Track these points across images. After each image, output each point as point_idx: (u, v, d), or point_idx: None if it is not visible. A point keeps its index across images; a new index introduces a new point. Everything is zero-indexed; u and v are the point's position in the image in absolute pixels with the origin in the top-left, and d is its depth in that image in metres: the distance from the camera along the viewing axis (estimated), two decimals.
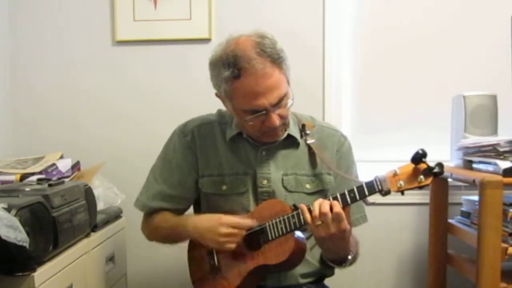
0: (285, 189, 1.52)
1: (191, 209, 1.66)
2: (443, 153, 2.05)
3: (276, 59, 1.38)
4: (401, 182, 1.31)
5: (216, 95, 1.49)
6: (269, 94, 1.37)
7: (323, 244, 1.40)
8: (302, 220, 1.36)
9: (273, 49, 1.38)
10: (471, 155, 1.83)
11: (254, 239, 1.45)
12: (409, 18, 2.24)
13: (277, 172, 1.52)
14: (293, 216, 1.38)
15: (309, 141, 1.54)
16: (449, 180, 2.00)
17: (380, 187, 1.32)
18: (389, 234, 2.21)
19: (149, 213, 1.61)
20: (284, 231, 1.40)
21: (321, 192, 1.55)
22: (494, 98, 1.93)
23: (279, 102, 1.39)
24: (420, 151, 1.29)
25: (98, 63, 2.26)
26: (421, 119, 2.23)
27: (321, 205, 1.32)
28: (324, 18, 2.18)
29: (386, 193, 1.33)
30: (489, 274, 1.63)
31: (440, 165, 1.29)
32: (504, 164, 1.65)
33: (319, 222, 1.31)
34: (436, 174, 1.29)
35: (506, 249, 1.64)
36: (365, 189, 1.34)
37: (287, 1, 2.20)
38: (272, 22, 2.17)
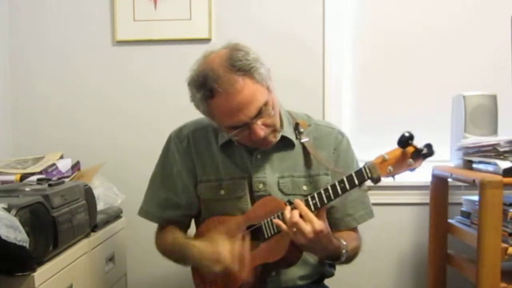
0: (282, 192, 1.50)
1: None
2: (443, 153, 2.05)
3: (247, 71, 1.33)
4: (390, 168, 1.28)
5: None
6: (245, 108, 1.34)
7: (308, 249, 1.39)
8: None
9: (245, 61, 1.34)
10: (471, 155, 1.83)
11: (252, 239, 1.44)
12: (409, 18, 2.24)
13: (272, 175, 1.51)
14: None
15: (303, 140, 1.51)
16: (449, 180, 2.00)
17: (369, 174, 1.29)
18: (389, 234, 2.21)
19: (162, 226, 1.60)
20: (279, 229, 1.37)
21: None
22: (494, 98, 1.93)
23: (259, 113, 1.36)
24: (406, 134, 1.26)
25: (98, 63, 2.26)
26: (421, 119, 2.23)
27: (291, 214, 1.30)
28: (324, 18, 2.18)
29: (376, 180, 1.29)
30: (489, 274, 1.63)
31: (428, 145, 1.26)
32: (504, 164, 1.65)
33: (294, 229, 1.30)
34: (426, 155, 1.26)
35: (506, 249, 1.64)
36: (355, 178, 1.30)
37: (287, 1, 2.20)
38: (272, 22, 2.18)
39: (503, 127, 1.95)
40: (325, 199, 1.33)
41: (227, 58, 1.35)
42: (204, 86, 1.35)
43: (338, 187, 1.32)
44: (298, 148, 1.53)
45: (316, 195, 1.34)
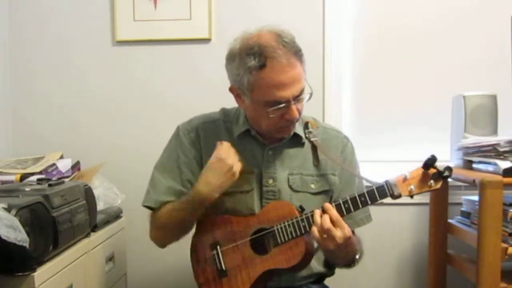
0: (291, 188, 1.52)
1: None
2: (443, 153, 2.05)
3: (297, 52, 1.40)
4: (412, 187, 1.33)
5: (231, 89, 1.47)
6: (293, 85, 1.37)
7: (333, 254, 1.41)
8: (311, 223, 1.36)
9: (294, 43, 1.40)
10: (471, 155, 1.83)
11: (261, 243, 1.44)
12: (409, 17, 2.24)
13: (283, 171, 1.52)
14: (302, 219, 1.39)
15: (312, 139, 1.54)
16: (449, 180, 1.99)
17: (391, 191, 1.34)
18: (389, 234, 2.21)
19: (155, 212, 1.56)
20: (294, 235, 1.39)
21: (326, 193, 1.55)
22: (494, 98, 1.93)
23: (300, 95, 1.40)
24: (431, 157, 1.31)
25: (98, 63, 2.26)
26: (421, 118, 2.23)
27: (323, 219, 1.32)
28: (324, 18, 2.18)
29: (397, 197, 1.35)
30: (489, 274, 1.63)
31: (449, 169, 1.31)
32: (504, 164, 1.65)
33: (325, 236, 1.32)
34: (446, 177, 1.32)
35: (506, 249, 1.64)
36: (376, 194, 1.35)
37: (287, 1, 2.20)
38: (272, 22, 2.17)
39: (503, 127, 1.95)
40: (344, 210, 1.36)
41: (280, 35, 1.39)
42: (261, 55, 1.36)
43: (358, 201, 1.36)
44: (307, 147, 1.56)
45: (336, 205, 1.36)
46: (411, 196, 1.35)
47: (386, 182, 1.34)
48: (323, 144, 1.56)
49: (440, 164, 1.32)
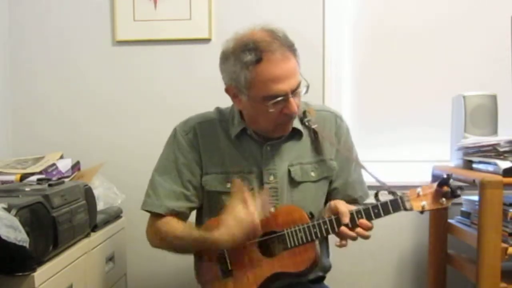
0: (293, 180, 1.52)
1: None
2: (443, 153, 2.05)
3: (291, 46, 1.42)
4: (424, 203, 1.36)
5: (227, 89, 1.47)
6: (289, 78, 1.39)
7: None
8: (323, 230, 1.39)
9: (287, 38, 1.43)
10: (471, 155, 1.83)
11: (269, 245, 1.44)
12: (409, 17, 2.24)
13: (282, 165, 1.52)
14: (313, 225, 1.40)
15: (313, 126, 1.54)
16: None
17: (404, 206, 1.37)
18: (389, 234, 2.20)
19: (157, 218, 1.54)
20: (304, 240, 1.40)
21: (326, 179, 1.56)
22: (494, 98, 1.93)
23: (296, 89, 1.41)
24: (446, 176, 1.35)
25: (98, 63, 2.26)
26: (421, 118, 2.23)
27: (360, 232, 1.38)
28: (324, 17, 2.18)
29: (409, 210, 1.38)
30: (489, 274, 1.63)
31: (461, 188, 1.35)
32: (504, 164, 1.65)
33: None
34: (456, 196, 1.35)
35: (506, 249, 1.64)
36: (390, 207, 1.38)
37: (287, 1, 2.20)
38: (272, 22, 2.17)
39: (503, 127, 1.95)
40: (356, 220, 1.38)
41: (273, 31, 1.41)
42: (256, 50, 1.37)
43: (371, 212, 1.39)
44: (305, 137, 1.56)
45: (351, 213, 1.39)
46: (422, 212, 1.38)
47: (400, 196, 1.38)
48: (319, 128, 1.55)
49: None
